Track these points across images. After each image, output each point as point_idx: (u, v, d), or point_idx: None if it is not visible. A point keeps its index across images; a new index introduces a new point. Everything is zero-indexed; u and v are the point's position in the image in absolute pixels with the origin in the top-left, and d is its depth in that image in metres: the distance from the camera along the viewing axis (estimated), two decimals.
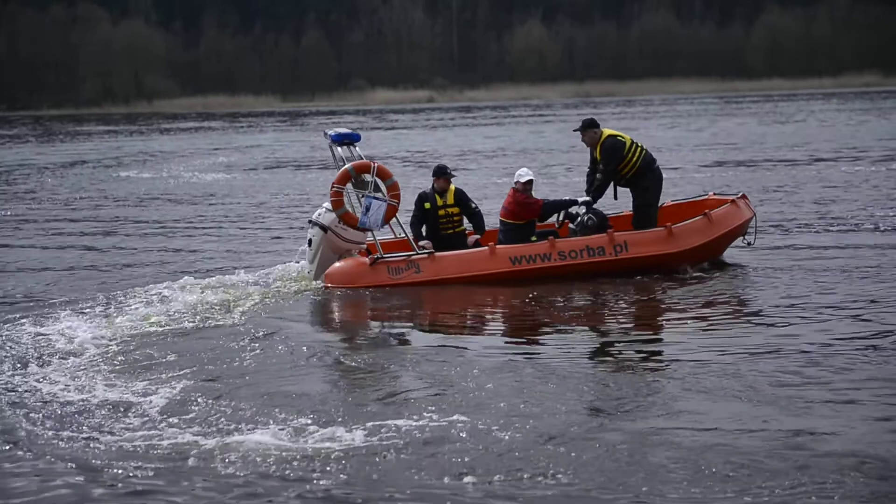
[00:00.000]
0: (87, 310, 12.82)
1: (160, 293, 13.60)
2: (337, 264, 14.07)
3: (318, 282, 14.15)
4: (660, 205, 14.61)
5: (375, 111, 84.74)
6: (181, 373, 9.93)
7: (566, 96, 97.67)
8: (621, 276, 13.52)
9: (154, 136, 59.85)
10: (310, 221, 14.45)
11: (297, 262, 15.14)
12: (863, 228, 16.78)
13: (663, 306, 12.30)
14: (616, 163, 14.04)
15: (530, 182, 14.06)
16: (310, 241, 14.26)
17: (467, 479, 7.01)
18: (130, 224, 21.85)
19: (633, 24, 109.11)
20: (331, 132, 14.46)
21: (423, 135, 51.69)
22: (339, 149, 14.33)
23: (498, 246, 13.80)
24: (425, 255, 13.80)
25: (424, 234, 14.51)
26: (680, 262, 13.61)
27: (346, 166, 13.94)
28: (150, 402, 8.98)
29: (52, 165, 39.02)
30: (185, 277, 14.46)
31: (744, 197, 14.57)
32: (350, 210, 13.91)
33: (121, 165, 38.42)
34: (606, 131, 14.28)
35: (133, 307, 12.89)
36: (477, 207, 14.70)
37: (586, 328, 11.47)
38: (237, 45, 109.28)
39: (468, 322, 12.45)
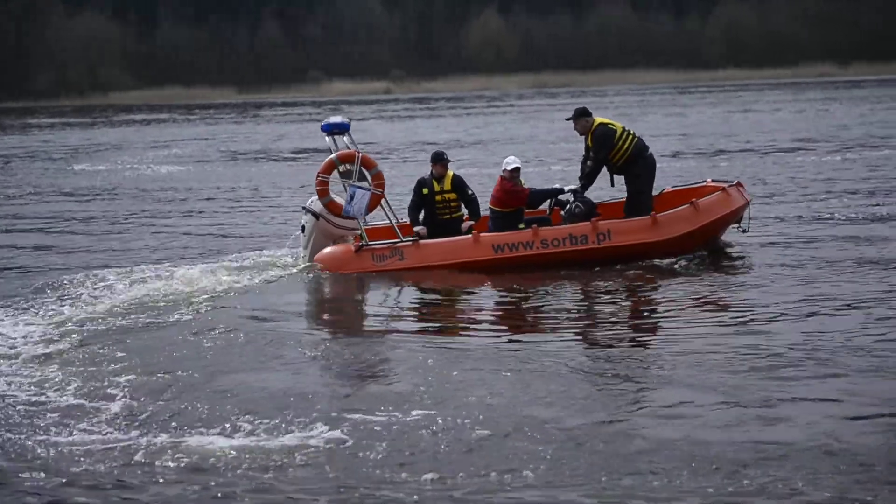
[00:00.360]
0: (37, 306, 12.63)
1: (114, 287, 13.46)
2: (326, 249, 14.34)
3: (295, 269, 14.35)
4: (661, 191, 14.69)
5: (333, 103, 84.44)
6: (138, 370, 9.71)
7: (524, 87, 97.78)
8: (606, 265, 13.50)
9: (108, 128, 59.38)
10: (303, 208, 14.82)
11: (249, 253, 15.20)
12: (846, 219, 16.76)
13: (644, 297, 12.27)
14: (606, 151, 14.12)
15: (517, 170, 14.20)
16: (303, 228, 14.65)
17: (431, 475, 6.91)
18: (81, 217, 21.66)
19: (590, 15, 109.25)
20: (325, 121, 14.75)
21: (380, 126, 51.53)
22: (327, 138, 14.60)
23: (482, 234, 13.92)
24: (409, 243, 13.95)
25: (423, 219, 14.70)
26: (665, 251, 13.59)
27: (331, 156, 14.28)
28: (103, 402, 8.80)
29: (1, 159, 38.60)
30: (142, 270, 14.43)
31: (739, 184, 14.50)
32: (335, 198, 14.21)
33: (74, 158, 38.05)
34: (598, 119, 14.38)
35: (85, 302, 12.71)
36: (473, 194, 14.83)
37: (564, 319, 11.35)
38: (193, 36, 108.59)
39: (443, 314, 12.38)
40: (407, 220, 14.74)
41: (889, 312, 10.50)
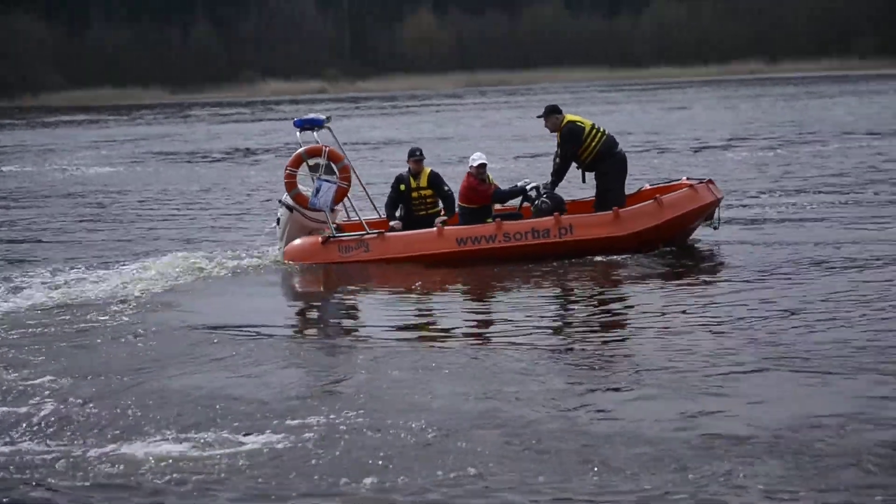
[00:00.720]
0: None
1: (43, 289, 13.28)
2: (295, 241, 14.73)
3: (229, 266, 14.61)
4: (639, 189, 14.87)
5: (267, 103, 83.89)
6: (66, 374, 9.47)
7: (458, 86, 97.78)
8: (569, 259, 13.68)
9: (37, 129, 58.55)
10: (279, 201, 15.20)
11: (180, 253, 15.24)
12: (807, 215, 16.91)
13: (603, 293, 12.30)
14: (573, 148, 14.30)
15: (482, 166, 14.47)
16: (278, 220, 15.11)
17: (370, 479, 6.78)
18: (8, 219, 21.36)
19: (524, 14, 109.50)
20: (298, 118, 15.27)
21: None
22: (299, 133, 14.99)
23: (446, 227, 14.21)
24: (375, 235, 14.30)
25: (401, 214, 15.06)
26: (628, 246, 13.76)
27: (298, 150, 14.77)
28: (27, 408, 8.54)
29: None
30: (73, 271, 14.29)
31: (710, 182, 14.62)
32: (302, 191, 14.69)
33: (1, 160, 37.50)
34: (568, 117, 14.57)
35: (11, 304, 12.48)
36: (449, 190, 15.10)
37: (521, 316, 11.27)
38: (125, 36, 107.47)
39: (398, 310, 12.35)
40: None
41: (847, 312, 10.47)
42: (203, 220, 19.85)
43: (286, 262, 14.57)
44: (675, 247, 14.16)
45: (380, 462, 7.06)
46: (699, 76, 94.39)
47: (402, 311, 12.26)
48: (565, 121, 14.45)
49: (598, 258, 13.69)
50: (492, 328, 10.91)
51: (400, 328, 11.22)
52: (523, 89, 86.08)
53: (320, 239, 14.47)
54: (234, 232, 17.96)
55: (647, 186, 15.15)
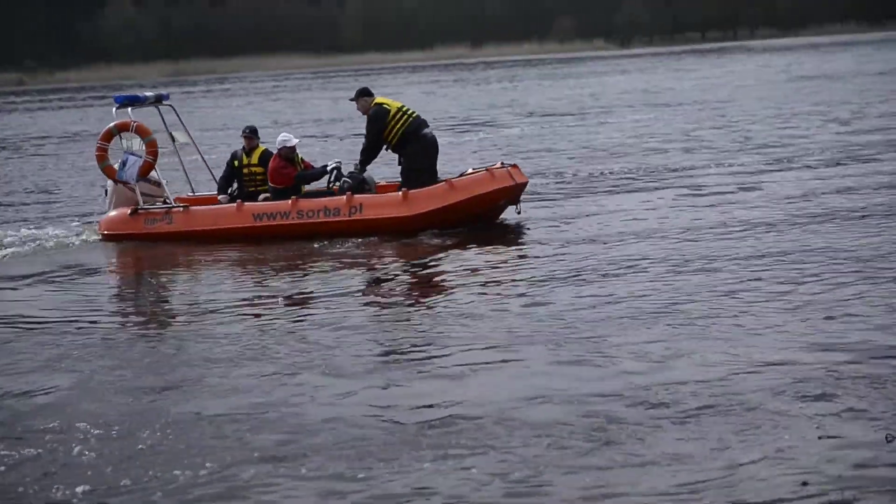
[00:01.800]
0: None
1: None
2: (110, 213, 15.42)
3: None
4: (461, 174, 15.04)
5: None
6: None
7: (164, 76, 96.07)
8: (361, 237, 14.17)
9: None
10: None
11: None
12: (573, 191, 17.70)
13: (386, 271, 12.56)
14: (377, 130, 14.73)
15: (286, 148, 15.06)
16: (105, 191, 15.80)
17: (83, 487, 6.44)
18: None
19: (228, 0, 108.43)
20: (117, 94, 15.88)
21: (13, 119, 49.64)
22: (115, 109, 15.40)
23: (245, 203, 14.90)
24: (180, 208, 15.01)
25: (235, 190, 15.70)
26: (416, 226, 14.23)
27: (109, 125, 15.37)
28: None
29: None
30: None
31: (514, 167, 14.98)
32: (112, 164, 15.32)
33: None
34: (378, 99, 15.01)
35: None
36: None
37: (292, 297, 11.36)
38: None
39: (176, 288, 12.55)
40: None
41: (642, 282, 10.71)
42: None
43: (100, 232, 15.31)
44: (476, 227, 14.45)
45: (94, 466, 6.79)
46: (405, 61, 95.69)
47: (182, 291, 12.41)
48: (374, 103, 14.88)
49: (389, 235, 14.16)
50: (270, 308, 10.87)
51: (176, 309, 11.26)
52: (232, 77, 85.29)
53: (129, 211, 15.10)
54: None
55: (470, 171, 15.30)
